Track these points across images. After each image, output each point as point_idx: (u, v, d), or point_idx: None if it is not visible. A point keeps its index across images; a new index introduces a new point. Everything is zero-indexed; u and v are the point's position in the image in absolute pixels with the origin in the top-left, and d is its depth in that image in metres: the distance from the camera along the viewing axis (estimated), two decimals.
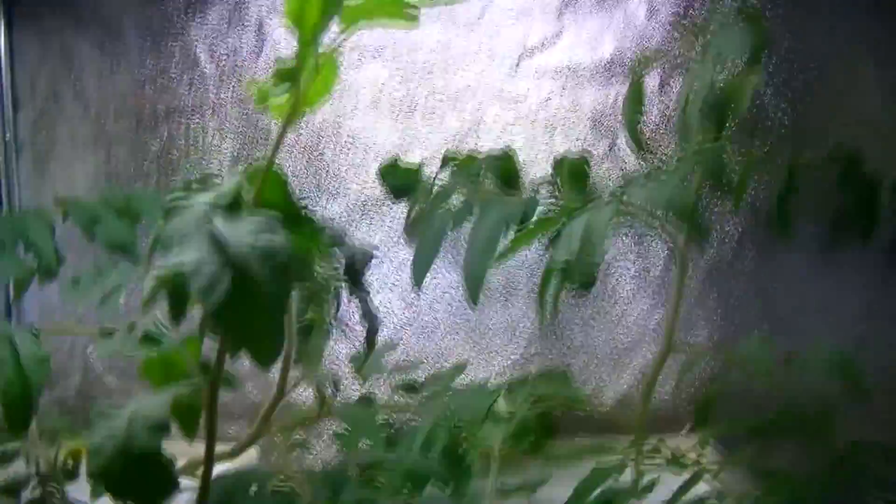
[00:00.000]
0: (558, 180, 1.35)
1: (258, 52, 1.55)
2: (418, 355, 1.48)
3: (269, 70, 1.39)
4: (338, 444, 1.11)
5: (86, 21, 1.61)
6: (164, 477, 0.65)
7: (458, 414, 1.08)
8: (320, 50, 0.67)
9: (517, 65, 1.47)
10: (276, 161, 0.68)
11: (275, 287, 0.53)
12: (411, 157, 1.42)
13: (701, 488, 0.96)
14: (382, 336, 1.41)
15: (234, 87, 1.56)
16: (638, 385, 1.39)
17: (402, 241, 1.47)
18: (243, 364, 0.61)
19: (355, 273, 0.72)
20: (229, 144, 1.56)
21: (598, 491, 0.94)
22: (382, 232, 1.51)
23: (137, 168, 1.59)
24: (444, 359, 1.48)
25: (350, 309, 0.91)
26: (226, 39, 1.56)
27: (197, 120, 1.57)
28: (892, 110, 1.35)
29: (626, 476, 0.98)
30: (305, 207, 0.72)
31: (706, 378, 1.34)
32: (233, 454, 1.12)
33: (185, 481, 0.68)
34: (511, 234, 1.17)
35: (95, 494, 0.76)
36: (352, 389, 1.37)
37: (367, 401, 1.29)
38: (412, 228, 1.37)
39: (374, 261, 1.35)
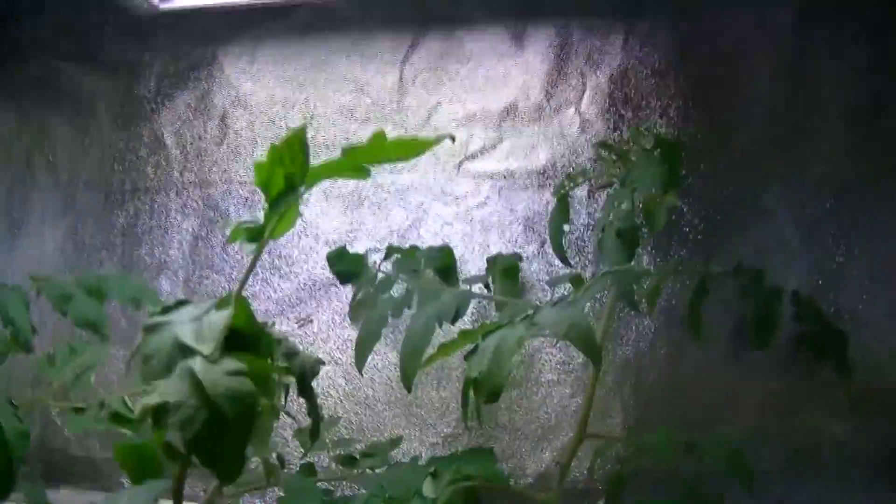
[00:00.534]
0: (491, 276, 1.47)
1: (221, 139, 1.66)
2: (357, 427, 1.57)
3: (231, 155, 1.51)
4: None
5: (61, 101, 1.72)
6: None
7: (389, 490, 1.18)
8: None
9: (458, 167, 1.57)
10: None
11: (241, 422, 0.66)
12: (358, 246, 1.56)
13: None
14: (326, 408, 1.52)
15: (197, 169, 1.67)
16: (556, 464, 1.42)
17: (346, 321, 1.59)
18: None
19: (305, 380, 0.84)
20: (190, 223, 1.67)
21: None
22: (329, 311, 1.60)
23: (104, 240, 1.69)
24: (381, 431, 1.56)
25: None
26: (191, 126, 1.68)
27: (161, 198, 1.68)
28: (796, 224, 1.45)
29: None
30: (265, 325, 0.83)
31: (619, 459, 1.40)
32: None
33: None
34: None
35: None
36: (295, 455, 1.48)
37: (308, 469, 1.40)
38: (356, 311, 1.49)
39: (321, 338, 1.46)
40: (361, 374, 1.41)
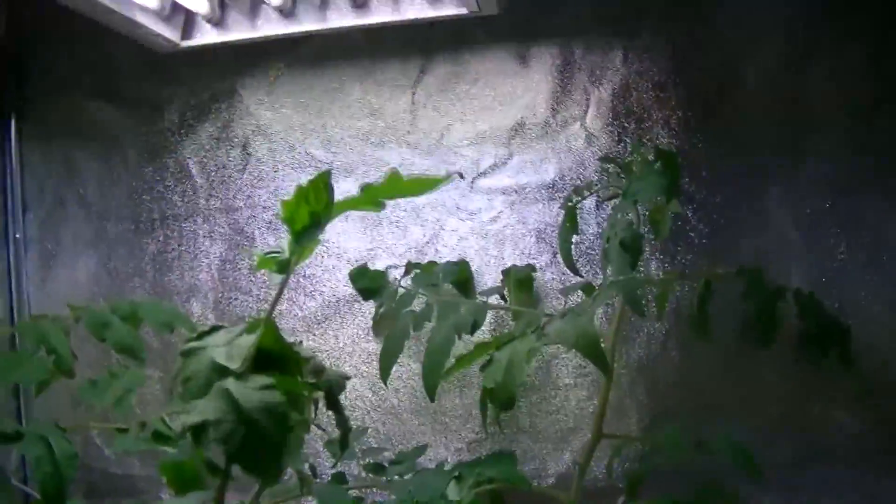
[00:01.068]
0: (507, 288, 1.53)
1: (244, 166, 1.73)
2: (384, 436, 1.63)
3: (254, 181, 1.56)
4: None
5: (89, 137, 1.79)
6: None
7: (417, 495, 1.24)
8: None
9: (472, 183, 1.62)
10: None
11: (277, 433, 0.73)
12: (378, 263, 1.62)
13: None
14: (354, 419, 1.58)
15: (222, 196, 1.73)
16: (576, 464, 1.48)
17: (369, 335, 1.65)
18: None
19: (332, 395, 0.90)
20: (218, 248, 1.73)
21: None
22: (353, 327, 1.67)
23: (136, 267, 1.76)
24: (407, 439, 1.62)
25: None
26: (215, 155, 1.74)
27: (189, 225, 1.75)
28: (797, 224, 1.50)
29: None
30: (293, 344, 0.90)
31: (638, 457, 1.46)
32: None
33: None
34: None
35: None
36: (326, 465, 1.54)
37: (339, 478, 1.46)
38: (379, 325, 1.54)
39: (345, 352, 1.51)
40: (386, 386, 1.46)
